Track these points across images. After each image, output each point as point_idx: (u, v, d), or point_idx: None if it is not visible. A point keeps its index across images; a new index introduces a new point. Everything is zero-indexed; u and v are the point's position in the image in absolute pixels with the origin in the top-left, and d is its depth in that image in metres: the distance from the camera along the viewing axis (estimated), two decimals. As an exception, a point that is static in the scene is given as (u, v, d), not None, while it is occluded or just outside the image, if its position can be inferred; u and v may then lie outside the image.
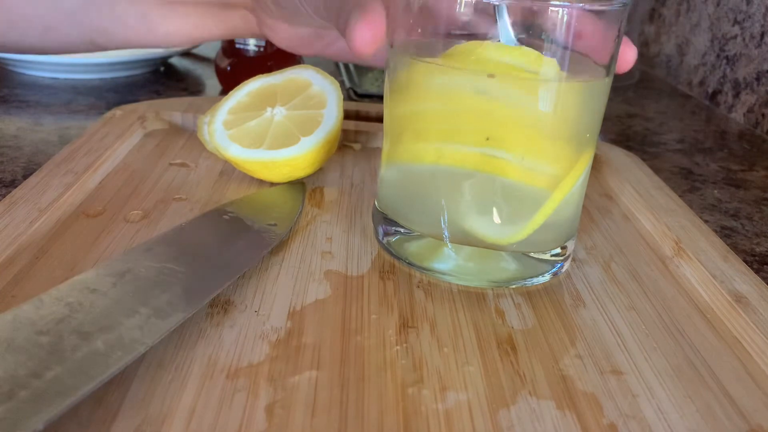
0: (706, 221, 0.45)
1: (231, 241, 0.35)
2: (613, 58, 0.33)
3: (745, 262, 0.39)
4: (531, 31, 0.31)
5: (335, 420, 0.25)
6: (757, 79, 0.72)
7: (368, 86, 0.71)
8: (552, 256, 0.35)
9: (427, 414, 0.26)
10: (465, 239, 0.34)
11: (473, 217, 0.33)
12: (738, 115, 0.75)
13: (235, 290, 0.32)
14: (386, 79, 0.36)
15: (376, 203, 0.39)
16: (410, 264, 0.35)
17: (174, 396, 0.26)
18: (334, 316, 0.31)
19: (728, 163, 0.61)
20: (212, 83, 0.69)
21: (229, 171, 0.45)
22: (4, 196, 0.40)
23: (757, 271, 0.39)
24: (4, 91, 0.62)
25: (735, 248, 0.43)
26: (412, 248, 0.36)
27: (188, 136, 0.48)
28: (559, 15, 0.31)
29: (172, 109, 0.52)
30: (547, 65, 0.31)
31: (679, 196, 0.48)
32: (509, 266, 0.35)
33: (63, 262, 0.33)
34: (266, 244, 0.35)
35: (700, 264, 0.37)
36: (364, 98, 0.68)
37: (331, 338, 0.29)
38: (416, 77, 0.33)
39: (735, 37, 0.76)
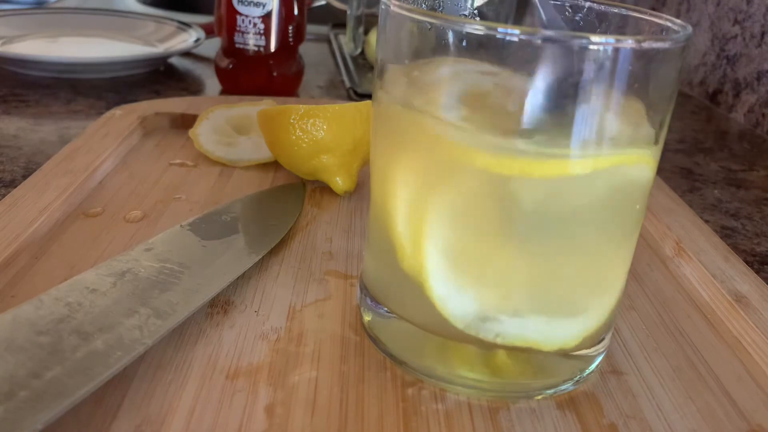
0: (706, 221, 0.45)
1: (231, 242, 0.35)
2: (669, 110, 0.26)
3: (746, 262, 0.38)
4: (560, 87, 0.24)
5: (335, 420, 0.25)
6: (758, 78, 0.72)
7: (368, 86, 0.71)
8: (589, 351, 0.28)
9: (427, 414, 0.26)
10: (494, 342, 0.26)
11: (528, 320, 0.26)
12: (738, 115, 0.75)
13: (235, 290, 0.32)
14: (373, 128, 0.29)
15: (361, 271, 0.32)
16: (402, 363, 0.28)
17: (174, 396, 0.25)
18: (334, 316, 0.31)
19: (729, 163, 0.61)
20: (212, 83, 0.69)
21: (228, 171, 0.45)
22: (3, 196, 0.40)
23: (757, 271, 0.39)
24: (4, 91, 0.62)
25: (735, 248, 0.43)
26: (406, 342, 0.28)
27: (188, 136, 0.48)
28: (602, 57, 0.23)
29: (172, 109, 0.52)
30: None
31: (680, 196, 0.48)
32: (539, 370, 0.28)
33: (63, 262, 0.33)
34: (266, 244, 0.35)
35: (701, 264, 0.37)
36: (364, 98, 0.68)
37: (331, 338, 0.29)
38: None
39: (735, 36, 0.76)
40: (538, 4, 0.27)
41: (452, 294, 0.26)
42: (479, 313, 0.26)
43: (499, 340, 0.26)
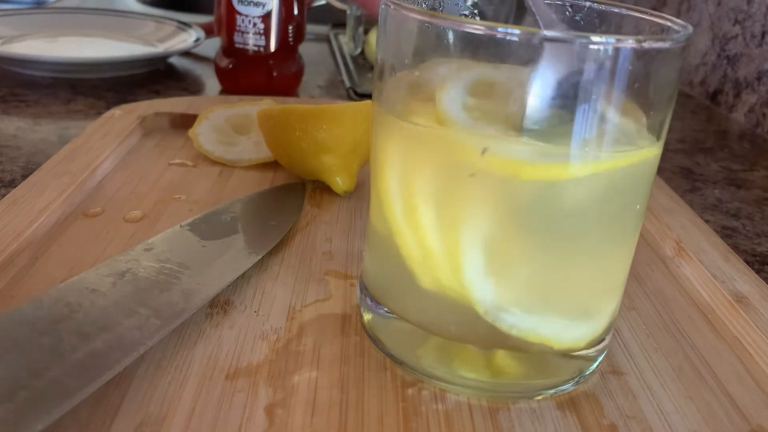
0: (706, 221, 0.45)
1: (231, 242, 0.35)
2: (669, 110, 0.26)
3: (746, 262, 0.38)
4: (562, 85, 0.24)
5: (335, 420, 0.25)
6: (758, 78, 0.72)
7: (368, 86, 0.71)
8: (589, 351, 0.28)
9: (427, 414, 0.26)
10: (500, 341, 0.26)
11: (536, 316, 0.26)
12: (739, 115, 0.75)
13: (235, 290, 0.32)
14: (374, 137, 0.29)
15: (361, 271, 0.32)
16: (402, 363, 0.28)
17: (173, 396, 0.25)
18: (334, 316, 0.31)
19: (729, 162, 0.61)
20: (212, 83, 0.69)
21: (228, 171, 0.45)
22: (3, 196, 0.40)
23: (758, 272, 0.39)
24: (4, 91, 0.62)
25: (736, 248, 0.43)
26: (406, 342, 0.28)
27: (187, 136, 0.48)
28: (602, 57, 0.23)
29: (171, 108, 0.52)
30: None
31: (680, 195, 0.48)
32: (543, 370, 0.28)
33: (62, 262, 0.33)
34: (266, 244, 0.35)
35: (701, 264, 0.37)
36: (364, 98, 0.68)
37: (331, 338, 0.29)
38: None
39: (736, 36, 0.76)
40: (532, 6, 0.27)
41: (478, 279, 0.26)
42: (497, 303, 0.26)
43: (514, 332, 0.26)
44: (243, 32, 0.61)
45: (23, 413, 0.21)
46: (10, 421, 0.21)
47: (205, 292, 0.30)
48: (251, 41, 0.62)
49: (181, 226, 0.35)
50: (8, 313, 0.26)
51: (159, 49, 0.76)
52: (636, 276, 0.37)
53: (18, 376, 0.23)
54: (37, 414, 0.22)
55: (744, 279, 0.36)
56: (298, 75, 0.67)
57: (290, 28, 0.63)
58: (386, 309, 0.29)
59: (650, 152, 0.26)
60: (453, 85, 0.25)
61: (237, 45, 0.62)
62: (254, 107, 0.49)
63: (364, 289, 0.30)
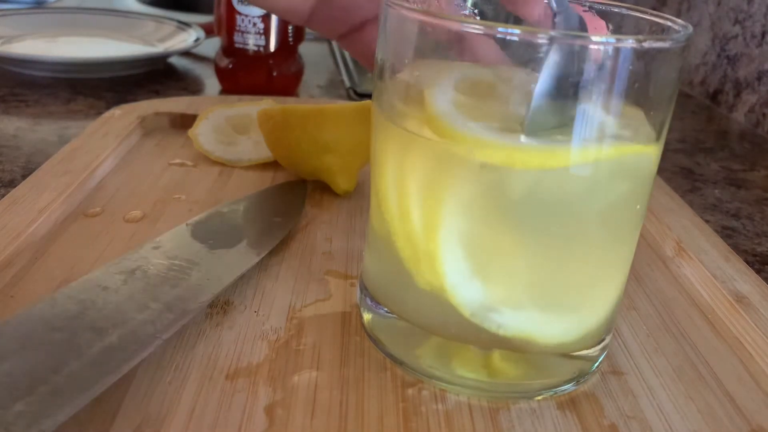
0: (707, 221, 0.45)
1: (238, 237, 0.35)
2: (670, 110, 0.26)
3: (746, 262, 0.38)
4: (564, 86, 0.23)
5: (335, 420, 0.25)
6: (758, 78, 0.72)
7: (368, 86, 0.71)
8: (589, 351, 0.28)
9: (427, 414, 0.26)
10: (499, 341, 0.26)
11: (528, 314, 0.26)
12: (739, 115, 0.75)
13: (235, 290, 0.32)
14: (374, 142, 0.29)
15: (361, 271, 0.32)
16: (402, 363, 0.28)
17: (173, 396, 0.25)
18: (334, 316, 0.31)
19: (729, 162, 0.61)
20: (212, 83, 0.69)
21: (228, 171, 0.45)
22: (3, 196, 0.40)
23: (758, 272, 0.39)
24: (4, 91, 0.62)
25: (736, 248, 0.43)
26: (406, 342, 0.28)
27: (187, 135, 0.48)
28: (603, 56, 0.23)
29: (171, 108, 0.52)
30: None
31: (680, 195, 0.48)
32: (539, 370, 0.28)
33: (62, 262, 0.33)
34: (266, 245, 0.35)
35: (701, 264, 0.37)
36: (364, 98, 0.68)
37: (330, 338, 0.29)
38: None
39: (736, 36, 0.76)
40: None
41: (462, 282, 0.26)
42: (484, 303, 0.26)
43: (501, 332, 0.26)
44: (243, 32, 0.61)
45: (45, 406, 0.22)
46: (32, 414, 0.21)
47: (215, 287, 0.30)
48: (251, 41, 0.62)
49: (187, 224, 0.35)
50: (21, 312, 0.26)
51: (159, 48, 0.76)
52: (636, 276, 0.37)
53: (37, 371, 0.23)
54: (58, 406, 0.22)
55: (744, 279, 0.36)
56: (298, 75, 0.67)
57: (290, 27, 0.63)
58: (386, 309, 0.28)
59: (650, 151, 0.26)
60: (442, 81, 0.25)
61: (237, 45, 0.62)
62: (254, 107, 0.49)
63: (364, 289, 0.30)
